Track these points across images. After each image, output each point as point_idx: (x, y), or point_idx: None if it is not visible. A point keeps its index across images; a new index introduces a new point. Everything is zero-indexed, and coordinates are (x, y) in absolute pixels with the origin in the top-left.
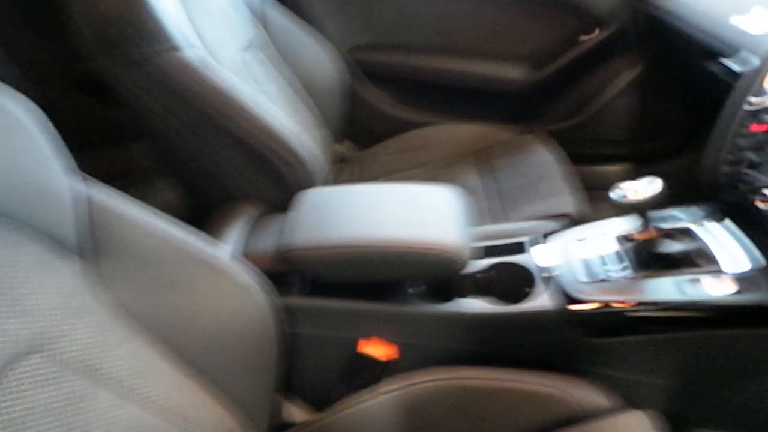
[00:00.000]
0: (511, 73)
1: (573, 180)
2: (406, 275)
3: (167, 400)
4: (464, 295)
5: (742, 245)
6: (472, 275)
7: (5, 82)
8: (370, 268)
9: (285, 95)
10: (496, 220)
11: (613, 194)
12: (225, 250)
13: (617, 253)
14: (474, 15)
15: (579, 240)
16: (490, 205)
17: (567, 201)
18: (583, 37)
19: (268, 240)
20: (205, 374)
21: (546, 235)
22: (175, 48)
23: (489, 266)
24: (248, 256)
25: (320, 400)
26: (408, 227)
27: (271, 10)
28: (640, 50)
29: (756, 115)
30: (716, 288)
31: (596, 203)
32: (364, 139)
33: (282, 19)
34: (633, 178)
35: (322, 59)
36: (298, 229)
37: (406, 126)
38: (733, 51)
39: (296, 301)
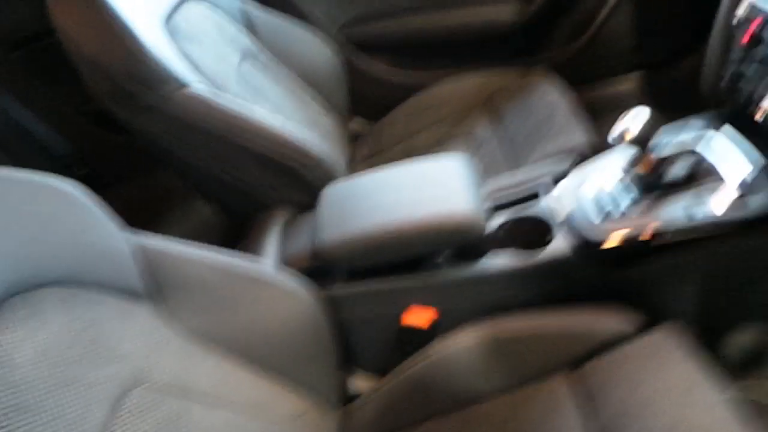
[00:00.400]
0: (503, 13)
1: (580, 111)
2: (430, 249)
3: (249, 399)
4: (487, 254)
5: (743, 149)
6: (493, 233)
7: (32, 134)
8: (396, 249)
9: (288, 94)
10: (511, 166)
11: (612, 139)
12: (267, 262)
13: (623, 186)
14: None
15: (586, 179)
16: (504, 152)
17: (576, 135)
18: None
19: (301, 241)
20: (275, 371)
21: (556, 178)
22: (182, 86)
23: (507, 221)
24: (287, 260)
25: (381, 369)
26: (423, 205)
27: (255, 15)
28: None
29: (742, 25)
30: (723, 203)
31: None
32: (373, 113)
33: (268, 20)
34: (643, 89)
35: (314, 47)
36: (324, 226)
37: (410, 90)
38: None
39: (338, 290)
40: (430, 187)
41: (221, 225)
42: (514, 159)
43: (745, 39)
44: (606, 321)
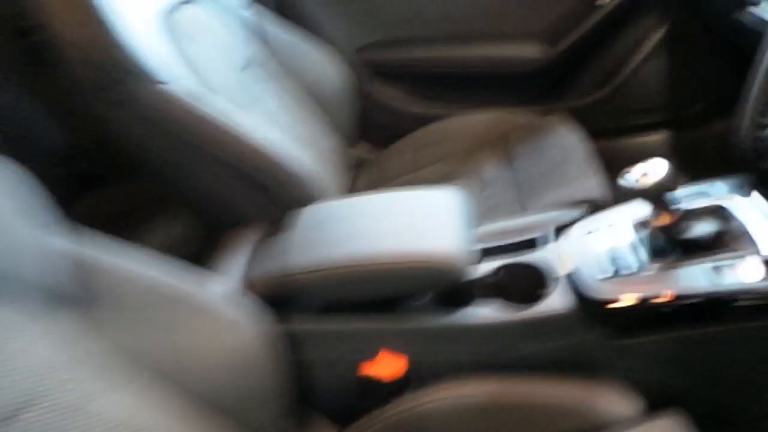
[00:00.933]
0: (526, 51)
1: (597, 161)
2: (405, 289)
3: None
4: (473, 302)
5: None
6: (481, 279)
7: (31, 123)
8: (365, 286)
9: (288, 109)
10: (515, 211)
11: (623, 180)
12: (217, 286)
13: (636, 242)
14: None
15: (594, 230)
16: (509, 196)
17: (590, 185)
18: (600, 1)
19: (269, 264)
20: (213, 406)
21: (559, 228)
22: (160, 82)
23: (499, 267)
24: (249, 283)
25: (344, 419)
26: (401, 239)
27: (269, 25)
28: (663, 7)
29: None
30: (754, 273)
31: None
32: (381, 140)
33: (281, 32)
34: (668, 148)
35: (326, 65)
36: (292, 250)
37: (422, 121)
38: None
39: (300, 325)
40: (414, 220)
41: (190, 242)
42: (521, 203)
43: None
44: (602, 399)
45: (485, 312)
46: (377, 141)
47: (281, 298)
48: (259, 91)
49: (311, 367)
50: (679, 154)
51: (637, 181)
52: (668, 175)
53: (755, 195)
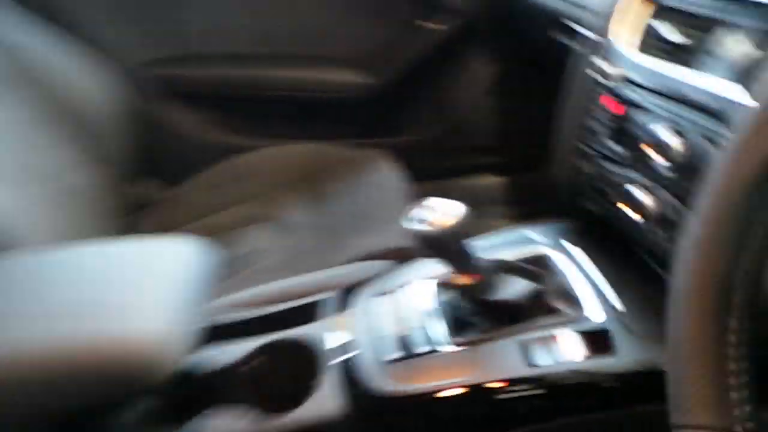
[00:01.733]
0: (346, 77)
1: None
2: (89, 401)
3: None
4: (211, 406)
5: (608, 276)
6: (229, 370)
7: None
8: (22, 397)
9: (12, 128)
10: (316, 264)
11: (407, 222)
12: None
13: (434, 310)
14: (294, 11)
15: (387, 293)
16: (313, 244)
17: (401, 236)
18: (426, 24)
19: None
20: None
21: (349, 289)
22: None
23: (256, 351)
24: None
25: None
26: (74, 321)
27: (17, 31)
28: (496, 43)
29: (604, 85)
30: (575, 348)
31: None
32: (174, 175)
33: (35, 39)
34: (501, 192)
35: (95, 81)
36: None
37: (225, 153)
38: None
39: None
40: (109, 288)
41: None
42: (324, 254)
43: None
44: None
45: (222, 425)
46: (168, 177)
47: None
48: None
49: None
50: (513, 198)
51: (424, 223)
52: (463, 220)
53: (587, 243)
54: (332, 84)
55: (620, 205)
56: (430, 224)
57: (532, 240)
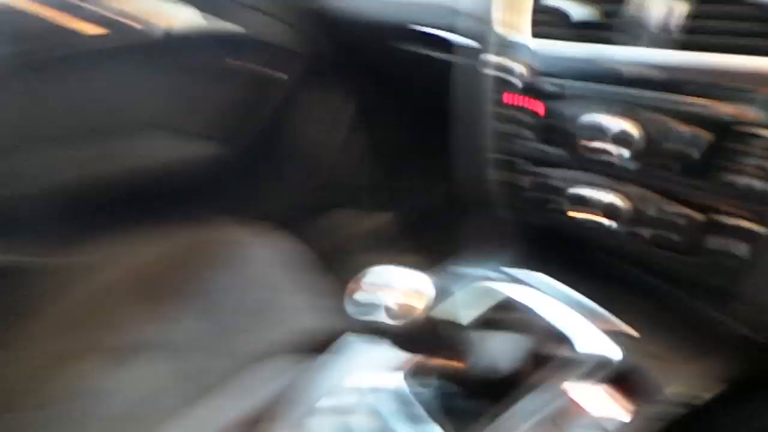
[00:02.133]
0: (194, 151)
1: (319, 282)
2: None
3: None
4: None
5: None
6: None
7: None
8: None
9: None
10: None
11: (350, 306)
12: None
13: (418, 413)
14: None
15: (327, 396)
16: (196, 365)
17: (308, 317)
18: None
19: None
20: None
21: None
22: None
23: None
24: None
25: None
26: None
27: None
28: (348, 73)
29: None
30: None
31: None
32: None
33: None
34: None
35: None
36: None
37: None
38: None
39: None
40: None
41: None
42: (199, 374)
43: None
44: None
45: None
46: None
47: None
48: None
49: None
50: (417, 241)
51: (382, 310)
52: (436, 298)
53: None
54: (172, 160)
55: (573, 213)
56: (396, 313)
57: (485, 287)
